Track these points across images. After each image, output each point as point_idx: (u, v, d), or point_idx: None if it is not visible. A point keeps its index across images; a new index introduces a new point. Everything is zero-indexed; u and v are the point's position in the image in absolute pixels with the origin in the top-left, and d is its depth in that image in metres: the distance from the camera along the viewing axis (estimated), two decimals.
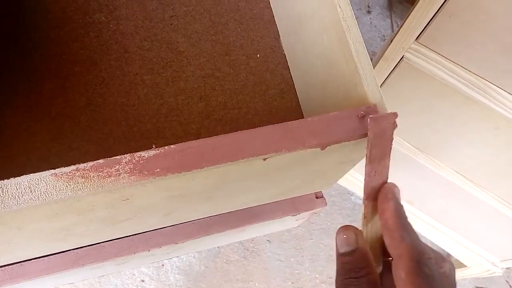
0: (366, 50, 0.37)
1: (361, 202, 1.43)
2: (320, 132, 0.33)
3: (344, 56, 0.39)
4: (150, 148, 0.52)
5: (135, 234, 0.54)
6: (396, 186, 0.33)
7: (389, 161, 0.34)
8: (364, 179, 0.33)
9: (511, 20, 0.52)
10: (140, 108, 0.53)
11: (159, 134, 0.53)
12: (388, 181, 0.34)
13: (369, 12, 1.71)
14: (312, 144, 0.33)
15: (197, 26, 0.58)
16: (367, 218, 0.33)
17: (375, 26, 1.70)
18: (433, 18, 0.58)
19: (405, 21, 0.74)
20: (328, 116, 0.34)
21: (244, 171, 0.35)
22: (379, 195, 0.33)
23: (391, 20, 1.72)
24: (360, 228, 0.34)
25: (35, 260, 0.52)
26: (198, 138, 0.53)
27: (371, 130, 0.33)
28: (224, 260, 1.29)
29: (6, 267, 0.51)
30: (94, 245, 0.53)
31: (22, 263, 0.51)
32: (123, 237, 0.54)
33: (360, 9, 1.71)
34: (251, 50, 0.58)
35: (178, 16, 0.58)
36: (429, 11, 0.57)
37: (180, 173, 0.31)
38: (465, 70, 0.62)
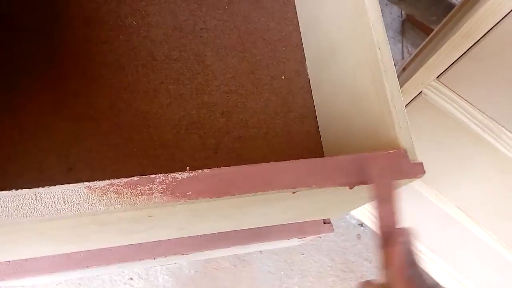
0: (401, 94, 0.38)
1: (355, 222, 1.43)
2: (351, 171, 0.34)
3: (377, 96, 0.39)
4: (169, 158, 0.53)
5: (143, 242, 0.54)
6: (407, 230, 0.32)
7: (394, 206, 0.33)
8: (377, 224, 0.33)
9: None
10: (162, 117, 0.54)
11: (178, 145, 0.53)
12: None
13: None
14: (342, 183, 0.34)
15: (226, 41, 0.59)
16: (384, 265, 0.33)
17: None
18: (458, 60, 0.59)
19: (416, 57, 0.75)
20: (361, 156, 0.34)
21: (270, 200, 0.36)
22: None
23: (402, 45, 1.73)
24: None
25: (41, 258, 0.52)
26: (216, 153, 0.54)
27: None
28: (215, 266, 1.29)
29: (12, 262, 0.51)
30: (101, 249, 0.53)
31: (27, 259, 0.51)
32: (131, 244, 0.54)
33: None
34: (276, 71, 0.59)
35: (209, 29, 0.59)
36: (454, 52, 0.58)
37: (211, 198, 0.32)
38: (481, 112, 0.63)
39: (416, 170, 0.35)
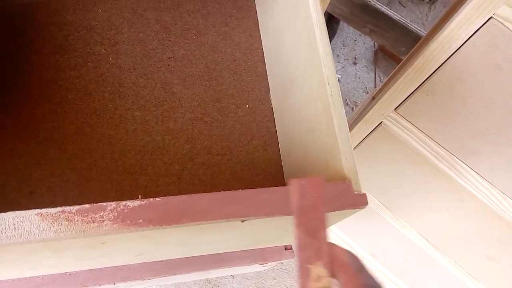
0: (347, 127, 0.40)
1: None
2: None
3: (327, 127, 0.41)
4: (132, 183, 0.54)
5: (103, 267, 0.54)
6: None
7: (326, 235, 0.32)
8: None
9: (481, 108, 0.57)
10: (127, 143, 0.55)
11: (142, 170, 0.54)
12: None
13: (355, 63, 1.78)
14: (288, 212, 0.35)
15: (193, 70, 0.61)
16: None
17: (359, 78, 1.77)
18: (412, 94, 0.62)
19: (384, 87, 0.79)
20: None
21: (221, 227, 0.37)
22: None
23: (375, 74, 1.79)
24: None
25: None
26: (179, 179, 0.55)
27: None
28: None
29: None
30: (61, 273, 0.53)
31: None
32: (91, 269, 0.54)
33: (347, 59, 1.78)
34: (241, 100, 0.61)
35: (176, 58, 0.61)
36: (409, 86, 0.61)
37: (161, 226, 0.33)
38: (436, 144, 0.66)
39: (359, 201, 0.37)
